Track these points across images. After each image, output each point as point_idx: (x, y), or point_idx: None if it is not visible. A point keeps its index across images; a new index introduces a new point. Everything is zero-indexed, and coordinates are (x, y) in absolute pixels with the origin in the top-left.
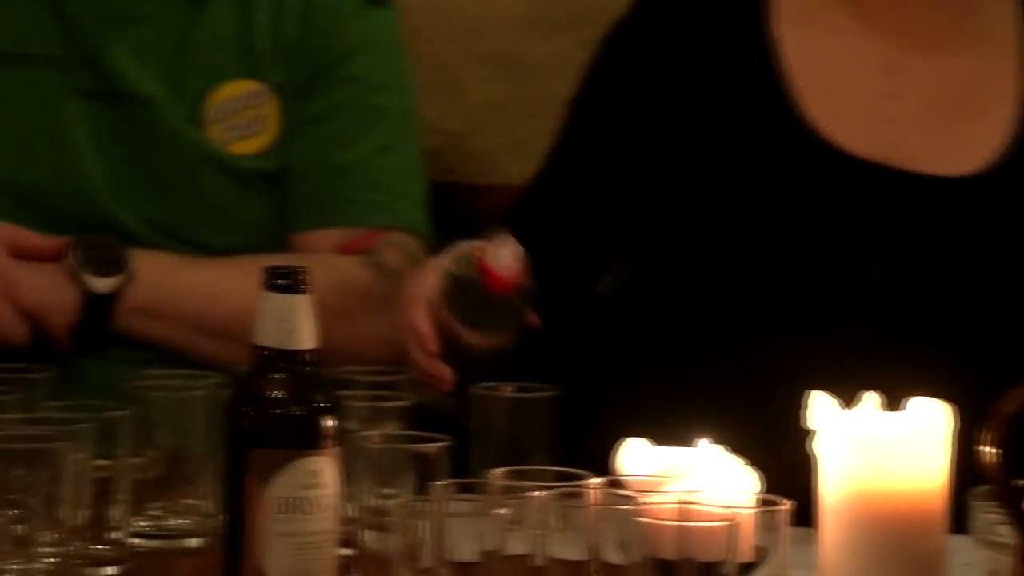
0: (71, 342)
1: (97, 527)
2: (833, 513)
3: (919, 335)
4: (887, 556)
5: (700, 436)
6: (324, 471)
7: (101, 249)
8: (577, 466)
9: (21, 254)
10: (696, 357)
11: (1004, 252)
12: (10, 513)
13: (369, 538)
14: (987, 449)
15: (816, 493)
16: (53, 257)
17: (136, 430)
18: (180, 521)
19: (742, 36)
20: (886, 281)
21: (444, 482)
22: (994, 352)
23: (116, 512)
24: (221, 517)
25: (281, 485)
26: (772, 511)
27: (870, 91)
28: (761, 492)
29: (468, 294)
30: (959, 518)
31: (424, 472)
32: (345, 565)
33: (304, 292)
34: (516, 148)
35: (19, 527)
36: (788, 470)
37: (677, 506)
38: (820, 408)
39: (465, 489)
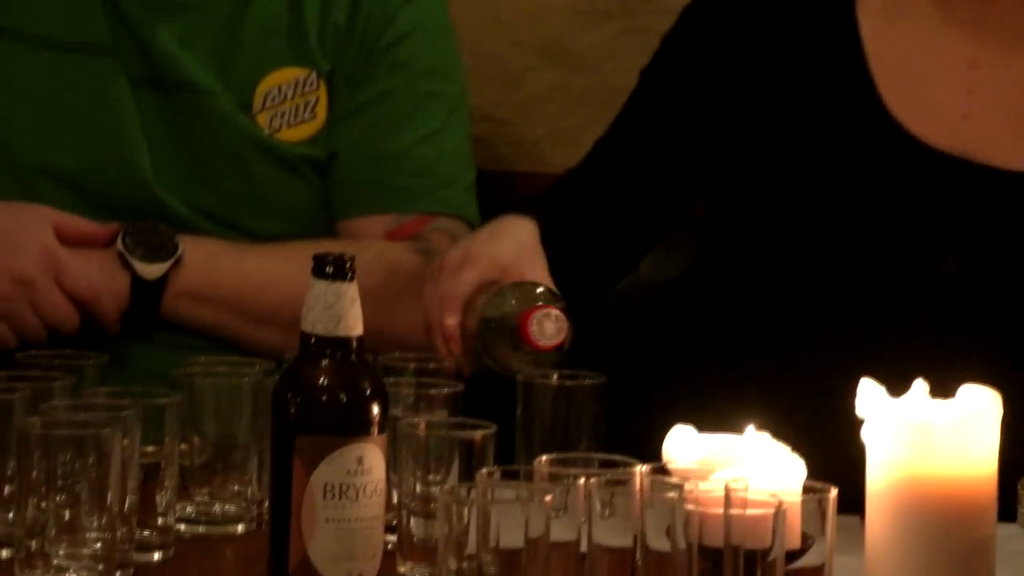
0: (119, 328)
1: (143, 513)
2: (880, 500)
3: (985, 331)
4: (935, 543)
5: (747, 423)
6: (370, 458)
7: (150, 235)
8: (623, 453)
9: (70, 240)
10: (747, 344)
11: None
12: (58, 499)
13: (414, 525)
14: None
15: (863, 480)
16: (102, 243)
17: (183, 416)
18: (226, 507)
19: (827, 23)
20: (957, 276)
21: (490, 469)
22: None
23: (162, 498)
24: (267, 503)
25: (327, 472)
26: (819, 498)
27: (952, 85)
28: (808, 479)
29: (500, 341)
30: (1007, 506)
31: (470, 459)
32: (390, 551)
33: (352, 280)
34: (565, 137)
35: (66, 512)
36: (835, 457)
37: (723, 493)
38: (869, 395)
39: (511, 476)
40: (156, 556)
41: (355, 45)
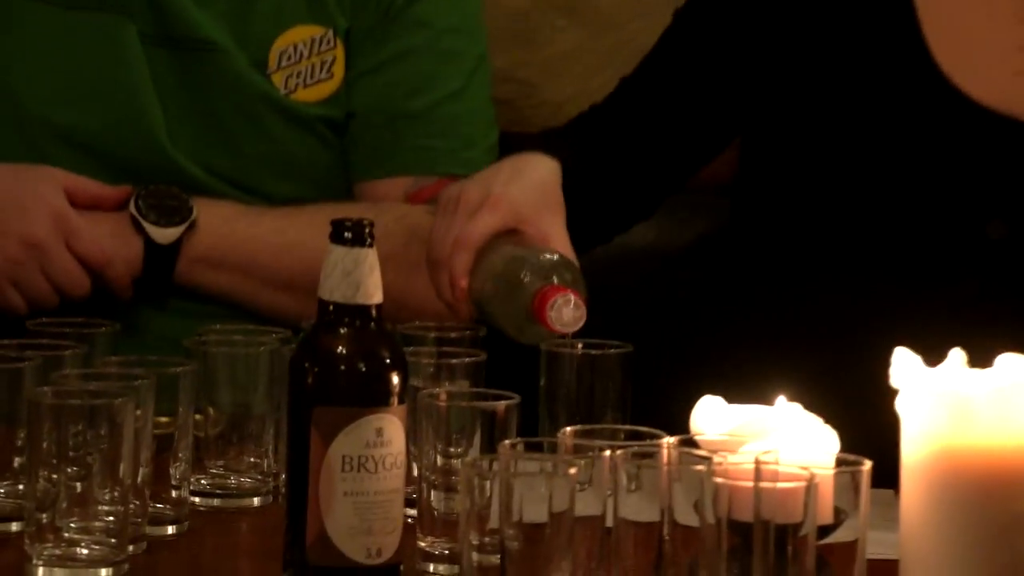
0: (132, 294)
1: (157, 485)
2: (916, 473)
3: None
4: (972, 518)
5: (778, 393)
6: (389, 429)
7: (163, 198)
8: (650, 424)
9: (81, 203)
10: (780, 310)
11: None
12: (69, 471)
13: (435, 498)
14: None
15: (898, 453)
16: (114, 206)
17: (197, 386)
18: (241, 479)
19: None
20: (1004, 240)
21: (512, 441)
22: None
23: (176, 470)
24: (283, 476)
25: (345, 443)
26: (852, 472)
27: (1003, 41)
28: (841, 452)
29: (510, 309)
30: None
31: (492, 431)
32: (410, 526)
33: (371, 245)
34: (590, 98)
35: (78, 485)
36: (869, 429)
37: (753, 466)
38: (904, 365)
39: (534, 448)
40: (170, 530)
41: (374, 2)
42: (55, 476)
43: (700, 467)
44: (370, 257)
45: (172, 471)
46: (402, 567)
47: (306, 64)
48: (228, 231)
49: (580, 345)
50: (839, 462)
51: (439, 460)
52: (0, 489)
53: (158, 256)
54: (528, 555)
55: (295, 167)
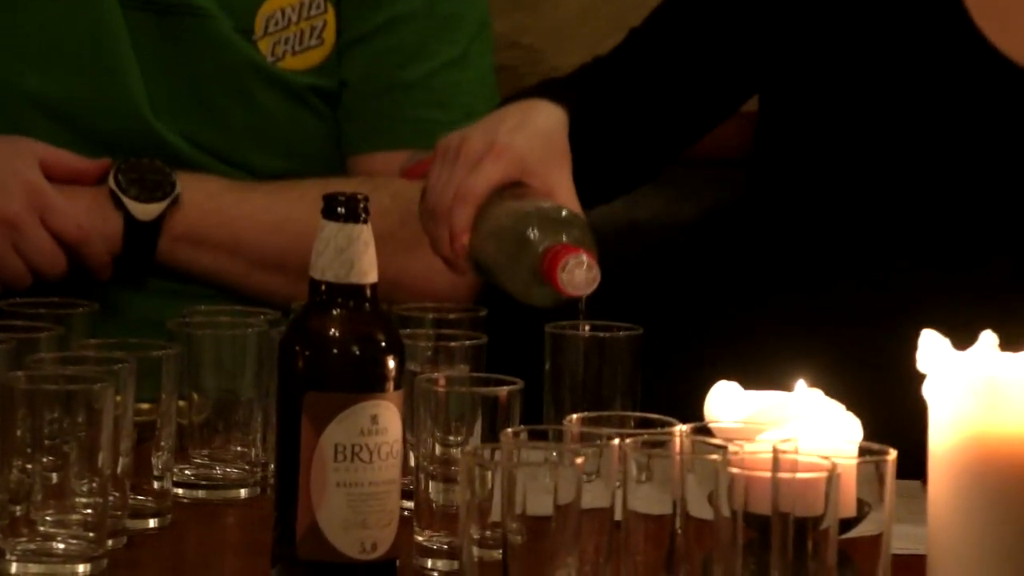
0: (111, 273)
1: (138, 476)
2: (944, 463)
3: None
4: (1003, 509)
5: (797, 378)
6: (385, 416)
7: (145, 171)
8: (661, 411)
9: (57, 176)
10: (799, 291)
11: None
12: (44, 460)
13: (433, 490)
14: None
15: (925, 441)
16: (93, 180)
17: (181, 371)
18: (228, 470)
19: None
20: None
21: (515, 429)
22: None
23: (158, 460)
24: (272, 466)
25: (338, 431)
26: (876, 461)
27: None
28: (864, 440)
29: (515, 268)
30: None
31: (494, 418)
32: (407, 519)
33: (365, 221)
34: None
35: (54, 475)
36: (894, 416)
37: (771, 456)
38: (932, 348)
39: (538, 436)
40: (151, 523)
41: None
42: (29, 466)
43: (715, 457)
44: (364, 234)
45: (154, 461)
46: (398, 563)
47: (294, 30)
48: (213, 207)
49: (587, 327)
50: (862, 451)
51: (438, 449)
52: None
53: (139, 233)
54: (532, 550)
55: (284, 140)
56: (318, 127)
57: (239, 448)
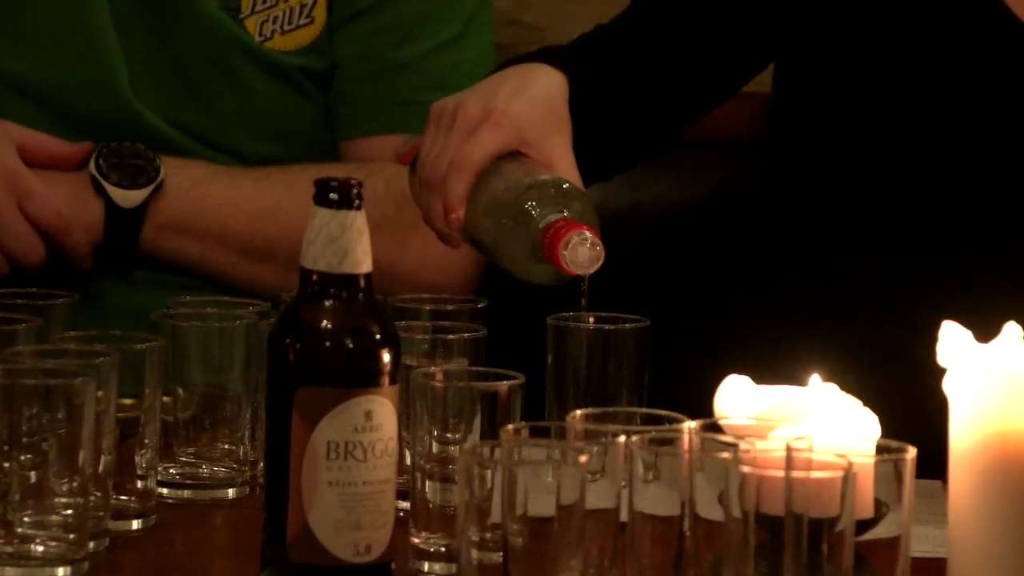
0: (92, 262)
1: (120, 475)
2: (966, 461)
3: None
4: None
5: (811, 372)
6: (380, 412)
7: (127, 156)
8: (669, 407)
9: (36, 161)
10: (813, 280)
11: None
12: (23, 458)
13: (430, 489)
14: None
15: (946, 439)
16: (73, 165)
17: (165, 364)
18: (215, 468)
19: None
20: None
21: (516, 425)
22: None
23: (142, 458)
24: (261, 464)
25: (331, 428)
26: (894, 460)
27: None
28: (882, 438)
29: (513, 242)
30: None
31: (494, 414)
32: (402, 520)
33: (359, 208)
34: None
35: (32, 474)
36: (913, 412)
37: (784, 454)
38: (952, 340)
39: (540, 433)
40: (135, 524)
41: None
42: (7, 465)
43: (725, 455)
44: (358, 221)
45: (137, 459)
46: (393, 566)
47: (283, 8)
48: (199, 194)
49: (591, 319)
50: (880, 449)
51: (435, 447)
52: None
53: (121, 221)
54: (533, 552)
55: (273, 123)
56: (308, 110)
57: (227, 446)
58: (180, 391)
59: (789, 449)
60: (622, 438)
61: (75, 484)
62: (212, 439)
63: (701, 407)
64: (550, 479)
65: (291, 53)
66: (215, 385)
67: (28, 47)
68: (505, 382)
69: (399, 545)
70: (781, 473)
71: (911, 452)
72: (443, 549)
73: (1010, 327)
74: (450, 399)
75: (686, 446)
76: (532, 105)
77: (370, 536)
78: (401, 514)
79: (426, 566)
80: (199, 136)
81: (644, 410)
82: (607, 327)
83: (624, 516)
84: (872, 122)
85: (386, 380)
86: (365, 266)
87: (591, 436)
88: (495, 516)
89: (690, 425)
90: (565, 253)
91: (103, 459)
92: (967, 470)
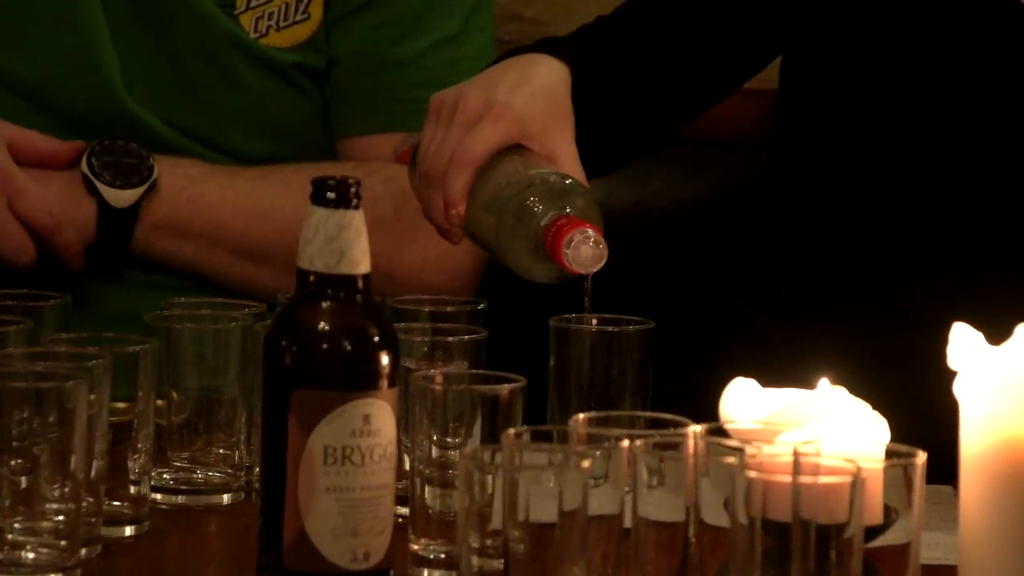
0: (84, 263)
1: (113, 480)
2: (977, 466)
3: None
4: None
5: (819, 376)
6: (378, 416)
7: (120, 155)
8: (674, 411)
9: (27, 159)
10: (821, 281)
11: None
12: (13, 463)
13: (429, 495)
14: None
15: (957, 443)
16: (64, 163)
17: (159, 367)
18: (209, 474)
19: None
20: None
21: (518, 429)
22: None
23: (135, 463)
24: (257, 470)
25: (328, 432)
26: (904, 465)
27: None
28: (891, 442)
29: (513, 238)
30: None
31: (494, 418)
32: (401, 526)
33: (357, 207)
34: None
35: (23, 479)
36: (924, 416)
37: (791, 459)
38: (964, 343)
39: (542, 438)
40: (128, 531)
41: None
42: None
43: (731, 460)
44: (356, 220)
45: (130, 464)
46: (392, 573)
47: (279, 3)
48: (193, 194)
49: (594, 320)
50: (889, 454)
51: (434, 451)
52: None
53: (114, 221)
54: (535, 559)
55: (269, 122)
56: (305, 108)
57: (222, 450)
58: (174, 394)
59: (796, 454)
60: (626, 442)
61: (67, 490)
62: (207, 443)
63: (706, 411)
64: (552, 484)
65: (287, 50)
66: (210, 388)
67: (19, 43)
68: (506, 385)
69: (398, 552)
70: (788, 478)
71: (921, 457)
72: (443, 556)
73: (1022, 329)
74: (450, 402)
75: (691, 451)
76: (534, 98)
77: (368, 543)
78: (400, 520)
79: (425, 573)
80: (193, 134)
81: (648, 414)
82: (610, 329)
83: (628, 522)
84: (881, 119)
85: (384, 383)
86: (363, 267)
87: (594, 440)
88: (496, 522)
89: (695, 429)
90: (568, 251)
91: (95, 464)
92: (978, 475)
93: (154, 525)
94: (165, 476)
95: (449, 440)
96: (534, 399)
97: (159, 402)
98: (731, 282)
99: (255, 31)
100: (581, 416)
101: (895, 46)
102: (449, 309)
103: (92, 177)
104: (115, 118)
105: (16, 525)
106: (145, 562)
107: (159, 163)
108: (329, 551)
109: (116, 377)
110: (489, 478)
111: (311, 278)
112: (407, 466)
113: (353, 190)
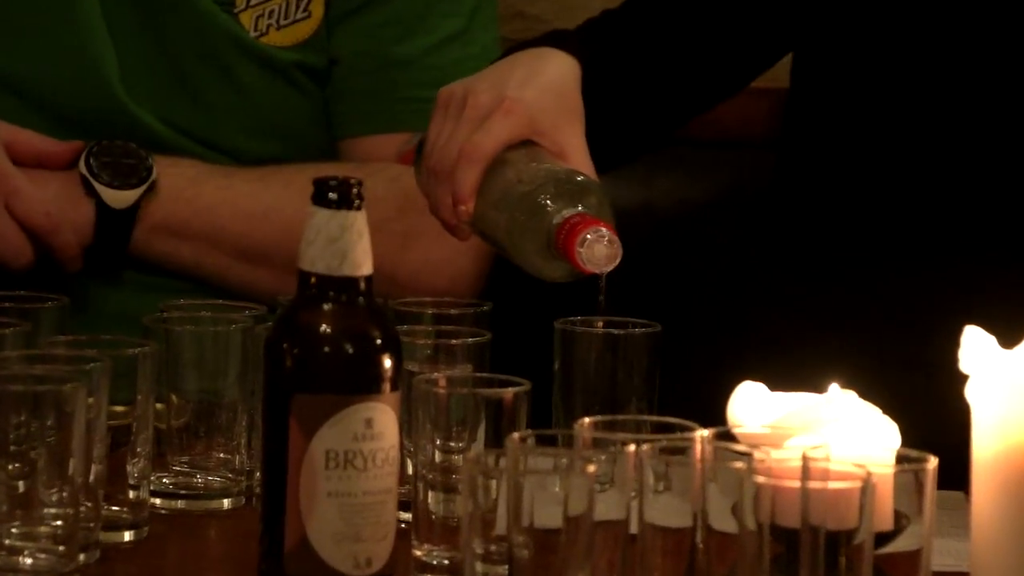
0: (82, 265)
1: (112, 485)
2: (989, 472)
3: None
4: None
5: (829, 380)
6: (380, 420)
7: (119, 155)
8: (681, 415)
9: (24, 159)
10: (831, 284)
11: None
12: (11, 467)
13: (433, 500)
14: None
15: (968, 448)
16: (62, 164)
17: (158, 370)
18: (209, 478)
19: None
20: None
21: (522, 433)
22: None
23: (134, 467)
24: (257, 474)
25: (330, 436)
26: (915, 470)
27: None
28: (902, 447)
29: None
30: None
31: (499, 422)
32: (404, 531)
33: (359, 208)
34: None
35: (21, 483)
36: (935, 420)
37: (800, 464)
38: (975, 346)
39: (547, 442)
40: (127, 536)
41: None
42: None
43: (739, 464)
44: (358, 222)
45: (129, 468)
46: None
47: (279, 2)
48: (193, 195)
49: (601, 323)
50: (900, 459)
51: (438, 456)
52: None
53: (112, 222)
54: (540, 565)
55: (269, 121)
56: (306, 107)
57: (222, 455)
58: (174, 398)
59: (805, 459)
60: (632, 447)
61: (65, 494)
62: (207, 448)
63: (714, 415)
64: (557, 489)
65: (287, 49)
66: (210, 392)
67: (16, 42)
68: (510, 389)
69: (401, 558)
70: (797, 484)
71: (932, 462)
72: (446, 562)
73: None
74: (453, 406)
75: (698, 455)
76: (544, 93)
77: (370, 548)
78: (403, 525)
79: None
80: (192, 134)
81: (655, 418)
82: (617, 332)
83: (634, 528)
84: (894, 119)
85: (387, 386)
86: (365, 268)
87: (600, 444)
88: (500, 528)
89: (702, 433)
90: (581, 250)
91: (94, 468)
92: (990, 481)
93: (153, 530)
94: (164, 480)
95: (452, 444)
96: (539, 403)
97: (158, 406)
98: (739, 284)
99: (255, 30)
100: (586, 420)
101: (911, 45)
102: (453, 311)
103: (90, 178)
104: (113, 117)
105: (14, 530)
106: (144, 568)
107: (158, 163)
108: (331, 557)
109: (115, 380)
110: (493, 483)
111: (312, 280)
112: (410, 471)
113: (355, 191)
